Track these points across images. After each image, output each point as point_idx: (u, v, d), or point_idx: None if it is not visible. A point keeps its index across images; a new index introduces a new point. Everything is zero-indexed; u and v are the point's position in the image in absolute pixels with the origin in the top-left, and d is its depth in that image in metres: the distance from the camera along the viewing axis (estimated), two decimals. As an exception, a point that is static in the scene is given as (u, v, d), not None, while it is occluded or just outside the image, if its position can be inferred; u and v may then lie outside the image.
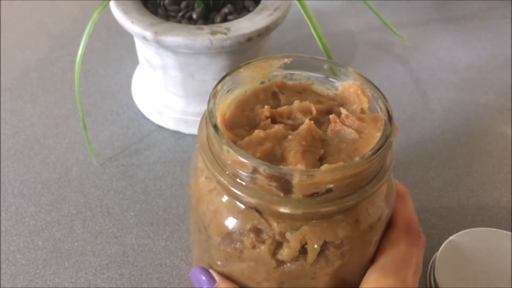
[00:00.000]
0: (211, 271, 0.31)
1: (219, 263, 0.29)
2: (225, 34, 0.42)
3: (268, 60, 0.29)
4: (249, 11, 0.47)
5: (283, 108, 0.28)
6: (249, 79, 0.29)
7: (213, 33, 0.42)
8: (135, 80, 0.56)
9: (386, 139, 0.25)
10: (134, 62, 0.57)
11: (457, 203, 0.46)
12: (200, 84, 0.47)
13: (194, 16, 0.46)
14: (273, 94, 0.29)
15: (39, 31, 0.65)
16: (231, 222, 0.26)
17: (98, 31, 0.63)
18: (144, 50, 0.47)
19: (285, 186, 0.24)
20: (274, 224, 0.25)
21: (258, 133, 0.26)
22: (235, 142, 0.25)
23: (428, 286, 0.40)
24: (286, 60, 0.29)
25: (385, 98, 0.27)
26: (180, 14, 0.46)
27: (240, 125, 0.28)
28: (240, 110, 0.28)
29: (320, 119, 0.28)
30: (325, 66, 0.29)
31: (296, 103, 0.28)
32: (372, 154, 0.24)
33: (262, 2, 0.47)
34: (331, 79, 0.30)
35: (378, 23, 0.69)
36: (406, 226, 0.30)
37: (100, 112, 0.54)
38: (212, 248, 0.29)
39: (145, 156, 0.49)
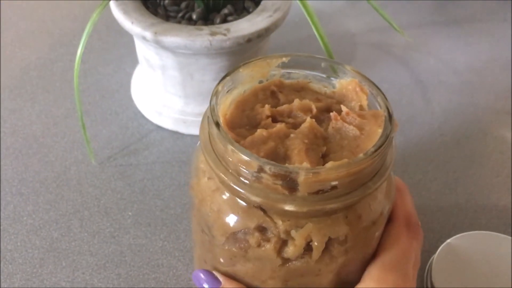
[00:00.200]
0: (214, 272, 0.30)
1: (223, 262, 0.29)
2: (225, 35, 0.42)
3: (267, 60, 0.29)
4: (249, 12, 0.47)
5: (284, 107, 0.28)
6: (248, 78, 0.29)
7: (213, 34, 0.42)
8: (134, 79, 0.56)
9: (387, 135, 0.25)
10: (134, 61, 0.57)
11: (455, 206, 0.46)
12: (199, 84, 0.47)
13: (194, 16, 0.46)
14: (272, 93, 0.29)
15: (39, 30, 0.65)
16: (235, 222, 0.27)
17: (98, 30, 0.63)
18: (144, 50, 0.47)
19: (291, 184, 0.24)
20: (279, 222, 0.26)
21: (261, 132, 0.26)
22: (238, 142, 0.25)
23: (425, 289, 0.40)
24: (284, 59, 0.29)
25: (383, 95, 0.28)
26: (180, 14, 0.46)
27: (241, 124, 0.28)
28: (240, 110, 0.28)
29: (320, 117, 0.28)
30: (323, 64, 0.30)
31: (296, 101, 0.28)
32: (375, 150, 0.24)
33: (262, 3, 0.47)
34: (328, 76, 0.30)
35: (378, 24, 0.69)
36: (406, 220, 0.31)
37: (99, 111, 0.54)
38: (216, 248, 0.29)
39: (144, 156, 0.49)
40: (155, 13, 0.46)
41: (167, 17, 0.46)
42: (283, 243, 0.26)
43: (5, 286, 0.39)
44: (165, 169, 0.48)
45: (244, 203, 0.26)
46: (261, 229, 0.26)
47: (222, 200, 0.27)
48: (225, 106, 0.28)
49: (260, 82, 0.30)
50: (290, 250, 0.26)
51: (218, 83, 0.27)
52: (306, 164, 0.24)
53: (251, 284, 0.29)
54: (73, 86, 0.42)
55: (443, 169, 0.50)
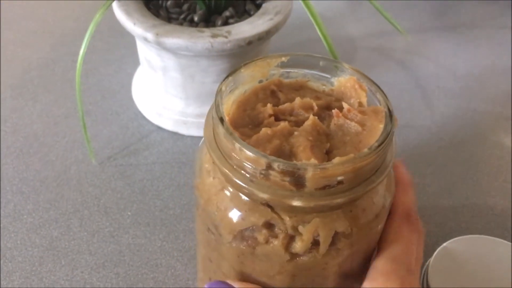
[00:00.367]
0: (229, 281, 0.30)
1: (230, 260, 0.30)
2: (226, 37, 0.42)
3: (267, 59, 0.30)
4: (250, 15, 0.47)
5: (285, 106, 0.29)
6: (249, 78, 0.29)
7: (214, 36, 0.42)
8: (135, 80, 0.56)
9: (389, 130, 0.26)
10: (135, 62, 0.57)
11: (452, 210, 0.47)
12: (200, 86, 0.48)
13: (196, 18, 0.46)
14: (272, 92, 0.30)
15: (40, 30, 0.66)
16: (243, 220, 0.27)
17: (100, 31, 0.63)
18: (145, 51, 0.47)
19: (298, 180, 0.24)
20: (287, 219, 0.26)
21: (265, 131, 0.26)
22: (243, 141, 0.26)
23: (422, 292, 0.40)
24: (283, 58, 0.30)
25: (382, 91, 0.28)
26: (182, 16, 0.47)
27: (243, 124, 0.28)
28: (242, 109, 0.29)
29: (321, 115, 0.28)
30: (321, 63, 0.30)
31: (297, 99, 0.29)
32: (379, 145, 0.25)
33: (263, 5, 0.47)
34: (326, 75, 0.30)
35: (378, 28, 0.70)
36: (405, 214, 0.31)
37: (100, 111, 0.54)
38: (222, 246, 0.29)
39: (144, 157, 0.50)
40: (157, 14, 0.46)
41: (169, 19, 0.47)
42: (291, 239, 0.27)
43: (5, 284, 0.39)
44: (165, 169, 0.48)
45: (251, 201, 0.26)
46: (269, 226, 0.26)
47: (228, 199, 0.27)
48: (228, 106, 0.29)
49: (260, 81, 0.30)
50: (298, 245, 0.26)
51: (221, 83, 0.28)
52: (313, 161, 0.25)
53: (258, 280, 0.29)
54: (74, 86, 0.43)
55: (440, 173, 0.50)
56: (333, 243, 0.27)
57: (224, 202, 0.28)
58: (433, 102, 0.59)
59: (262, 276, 0.29)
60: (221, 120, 0.26)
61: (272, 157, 0.24)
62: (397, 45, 0.67)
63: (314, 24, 0.40)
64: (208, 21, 0.47)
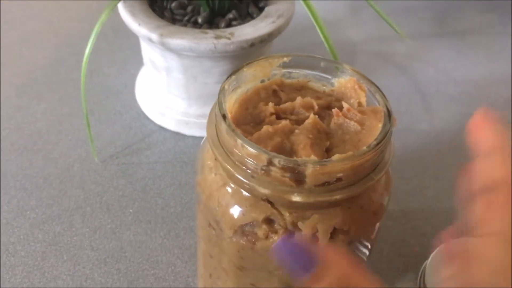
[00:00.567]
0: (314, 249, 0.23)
1: (230, 255, 0.30)
2: (229, 39, 0.43)
3: (269, 59, 0.30)
4: (253, 18, 0.48)
5: (287, 105, 0.29)
6: (251, 78, 0.30)
7: (217, 37, 0.43)
8: (139, 81, 0.57)
9: (387, 129, 0.27)
10: (139, 63, 0.58)
11: (449, 213, 0.47)
12: (202, 86, 0.48)
13: (199, 20, 0.47)
14: (273, 92, 0.31)
15: (46, 31, 0.66)
16: (243, 215, 0.27)
17: (105, 32, 0.64)
18: (149, 52, 0.48)
19: (298, 176, 0.25)
20: (286, 214, 0.27)
21: (267, 128, 0.27)
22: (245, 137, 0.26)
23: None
24: (285, 59, 0.30)
25: (381, 92, 0.29)
26: (186, 18, 0.48)
27: (246, 122, 0.29)
28: (244, 108, 0.29)
29: (322, 114, 0.29)
30: (322, 64, 0.31)
31: (298, 99, 0.29)
32: (378, 144, 0.25)
33: (266, 9, 0.48)
34: (326, 75, 0.31)
35: (379, 33, 0.70)
36: None
37: (103, 111, 0.55)
38: (223, 241, 0.29)
39: (146, 156, 0.50)
40: (161, 16, 0.47)
41: (173, 20, 0.48)
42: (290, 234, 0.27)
43: (7, 278, 0.39)
44: (167, 168, 0.49)
45: (252, 197, 0.27)
46: (269, 222, 0.27)
47: (229, 195, 0.28)
48: (230, 105, 0.29)
49: (262, 81, 0.31)
50: None
51: (224, 81, 0.28)
52: (313, 157, 0.25)
53: (258, 275, 0.30)
54: (78, 85, 0.44)
55: (438, 177, 0.51)
56: (332, 239, 0.27)
57: (226, 198, 0.28)
58: (432, 107, 0.59)
59: (262, 271, 0.30)
60: (224, 117, 0.27)
61: (273, 153, 0.25)
62: (397, 50, 0.68)
63: (316, 25, 0.41)
64: (211, 23, 0.48)
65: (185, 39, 0.43)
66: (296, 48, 0.65)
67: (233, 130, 0.26)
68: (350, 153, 0.25)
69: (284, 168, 0.25)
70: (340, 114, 0.29)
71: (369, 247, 0.32)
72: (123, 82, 0.58)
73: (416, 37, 0.71)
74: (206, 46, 0.43)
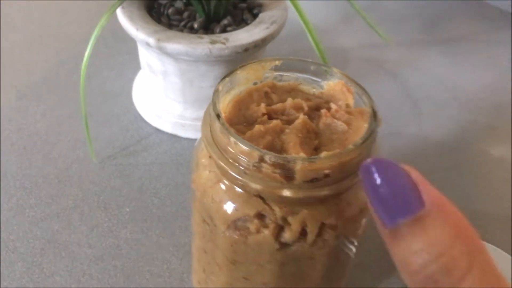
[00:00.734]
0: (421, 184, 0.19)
1: (223, 249, 0.31)
2: (224, 43, 0.45)
3: (261, 63, 0.32)
4: (247, 24, 0.49)
5: (278, 106, 0.31)
6: (244, 80, 0.31)
7: (213, 42, 0.45)
8: (136, 85, 0.58)
9: (373, 129, 0.28)
10: (136, 68, 0.59)
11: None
12: (198, 90, 0.50)
13: (195, 26, 0.49)
14: (265, 94, 0.32)
15: (45, 35, 0.68)
16: (236, 210, 0.29)
17: (103, 37, 0.65)
18: (147, 56, 0.50)
19: (288, 173, 0.26)
20: (277, 210, 0.28)
21: (258, 127, 0.28)
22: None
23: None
24: (277, 62, 0.32)
25: (368, 94, 0.30)
26: (182, 23, 0.49)
27: (238, 122, 0.30)
28: (237, 109, 0.31)
29: (311, 115, 0.30)
30: (312, 68, 0.32)
31: (289, 100, 0.30)
32: (363, 142, 0.27)
33: (260, 15, 0.50)
34: (316, 78, 0.32)
35: (370, 41, 0.72)
36: None
37: (101, 113, 0.56)
38: (217, 236, 0.31)
39: (142, 157, 0.52)
40: (158, 21, 0.49)
41: (170, 26, 0.49)
42: (280, 229, 0.28)
43: (7, 274, 0.41)
44: (163, 169, 0.50)
45: (244, 193, 0.28)
46: (260, 216, 0.28)
47: (223, 191, 0.29)
48: (224, 105, 0.31)
49: (255, 83, 0.32)
50: (287, 235, 0.28)
51: (219, 83, 0.30)
52: (302, 155, 0.27)
53: (250, 268, 0.31)
54: (77, 89, 0.45)
55: (428, 179, 0.52)
56: (320, 234, 0.29)
57: (219, 194, 0.30)
58: (421, 112, 0.61)
59: (254, 264, 0.31)
60: (218, 116, 0.28)
61: (264, 150, 0.26)
62: (388, 56, 0.70)
63: (305, 29, 0.43)
64: (207, 29, 0.49)
65: (182, 44, 0.44)
66: (288, 53, 0.66)
67: (226, 129, 0.27)
68: (337, 150, 0.27)
69: (274, 165, 0.26)
70: (328, 114, 0.30)
71: (356, 244, 0.34)
72: (120, 85, 0.60)
73: (407, 44, 0.73)
74: (202, 50, 0.44)
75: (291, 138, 0.28)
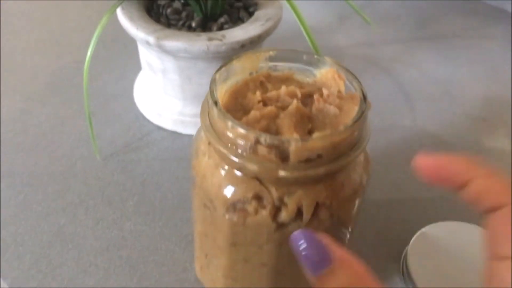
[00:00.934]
0: (330, 247, 0.24)
1: (224, 232, 0.33)
2: (221, 40, 0.46)
3: (256, 53, 0.33)
4: (243, 22, 0.51)
5: (272, 93, 0.32)
6: (240, 70, 0.33)
7: (210, 39, 0.46)
8: (137, 85, 0.60)
9: (362, 111, 0.29)
10: (137, 69, 0.61)
11: (430, 200, 0.50)
12: (197, 87, 0.52)
13: (193, 24, 0.50)
14: (261, 83, 0.33)
15: (48, 40, 0.70)
16: (234, 193, 0.30)
17: (104, 40, 0.67)
18: (147, 55, 0.51)
19: (283, 153, 0.28)
20: (273, 191, 0.29)
21: (254, 113, 0.30)
22: None
23: (401, 273, 0.43)
24: (271, 53, 0.34)
25: (358, 80, 0.32)
26: (181, 22, 0.51)
27: (236, 110, 0.32)
28: (234, 98, 0.32)
29: (305, 101, 0.32)
30: (305, 57, 0.34)
31: (283, 88, 0.32)
32: (353, 123, 0.28)
33: (255, 13, 0.52)
34: (309, 67, 0.34)
35: (365, 39, 0.74)
36: None
37: (104, 113, 0.58)
38: (217, 219, 0.32)
39: (144, 153, 0.53)
40: (157, 21, 0.50)
41: (168, 25, 0.51)
42: (278, 210, 0.30)
43: (16, 265, 0.42)
44: (164, 165, 0.52)
45: (242, 176, 0.30)
46: (258, 198, 0.30)
47: (221, 175, 0.31)
48: (221, 94, 0.32)
49: (251, 74, 0.34)
50: (284, 215, 0.30)
51: (216, 72, 0.31)
52: (296, 136, 0.28)
53: (249, 250, 0.33)
54: (80, 90, 0.47)
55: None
56: (315, 213, 0.30)
57: (218, 178, 0.31)
58: (415, 106, 0.63)
59: (253, 245, 0.33)
60: (215, 103, 0.30)
61: (260, 132, 0.28)
62: (382, 54, 0.72)
63: (300, 26, 0.45)
64: (204, 27, 0.51)
65: (180, 41, 0.46)
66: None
67: (223, 114, 0.29)
68: (328, 131, 0.28)
69: (270, 146, 0.28)
70: (321, 99, 0.32)
71: (350, 229, 0.35)
72: (122, 86, 0.62)
73: (401, 41, 0.75)
74: (199, 47, 0.46)
75: (285, 122, 0.30)
